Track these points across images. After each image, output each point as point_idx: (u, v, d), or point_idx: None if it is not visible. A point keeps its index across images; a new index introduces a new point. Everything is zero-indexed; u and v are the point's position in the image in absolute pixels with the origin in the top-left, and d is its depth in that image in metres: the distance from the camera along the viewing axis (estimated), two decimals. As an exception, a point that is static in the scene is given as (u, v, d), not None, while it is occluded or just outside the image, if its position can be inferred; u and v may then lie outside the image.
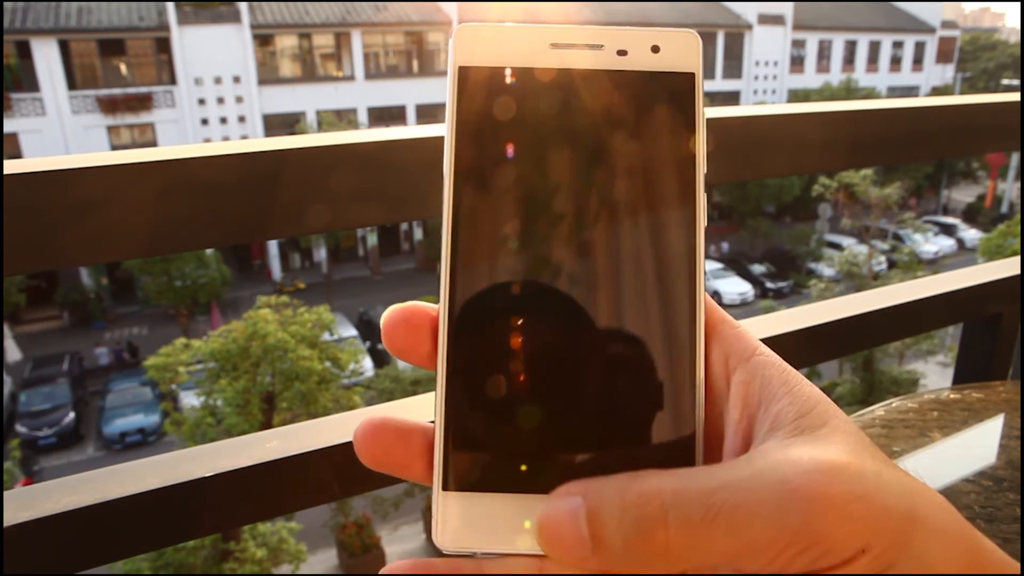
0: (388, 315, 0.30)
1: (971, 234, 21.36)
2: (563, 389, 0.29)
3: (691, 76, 0.30)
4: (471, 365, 0.29)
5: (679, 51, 0.31)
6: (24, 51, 17.40)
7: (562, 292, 0.29)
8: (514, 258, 0.29)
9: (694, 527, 0.23)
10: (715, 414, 0.29)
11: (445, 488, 0.28)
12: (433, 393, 0.30)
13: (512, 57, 0.31)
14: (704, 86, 0.31)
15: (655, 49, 0.31)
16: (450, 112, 0.30)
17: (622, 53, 0.31)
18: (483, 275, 0.29)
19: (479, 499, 0.28)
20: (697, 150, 0.30)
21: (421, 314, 0.30)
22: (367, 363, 11.78)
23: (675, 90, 0.30)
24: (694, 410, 0.29)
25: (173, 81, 18.83)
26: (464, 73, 0.30)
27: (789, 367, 0.29)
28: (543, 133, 0.30)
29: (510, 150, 0.30)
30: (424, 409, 0.63)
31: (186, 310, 15.55)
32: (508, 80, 0.30)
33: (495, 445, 0.29)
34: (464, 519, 0.28)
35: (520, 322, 0.29)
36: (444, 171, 0.30)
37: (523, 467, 0.28)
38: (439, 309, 0.29)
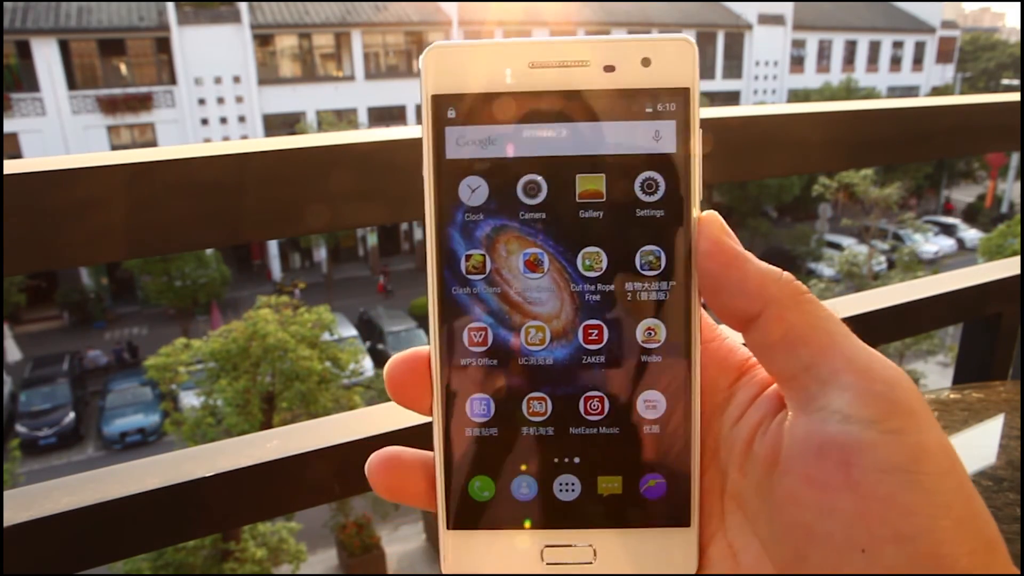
0: (391, 367, 0.29)
1: (971, 234, 21.35)
2: (560, 428, 0.29)
3: (686, 92, 0.28)
4: (467, 410, 0.29)
5: (672, 62, 0.28)
6: (24, 51, 17.39)
7: (557, 326, 0.29)
8: (503, 298, 0.29)
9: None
10: (714, 426, 0.29)
11: (448, 527, 0.29)
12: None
13: (490, 81, 0.28)
14: (703, 87, 0.30)
15: (646, 62, 0.28)
16: (427, 149, 0.28)
17: (609, 69, 0.28)
18: (474, 317, 0.29)
19: (482, 536, 0.29)
20: (693, 172, 0.28)
21: (424, 360, 0.29)
22: (367, 363, 11.76)
23: (668, 108, 0.28)
24: (691, 432, 0.28)
25: (173, 81, 18.81)
26: (438, 102, 0.28)
27: None
28: (528, 167, 0.28)
29: (493, 187, 0.28)
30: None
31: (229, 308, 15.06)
32: (486, 109, 0.28)
33: (494, 487, 0.29)
34: (469, 553, 0.29)
35: (514, 361, 0.29)
36: (425, 214, 0.28)
37: (522, 505, 0.29)
38: (430, 356, 0.29)
